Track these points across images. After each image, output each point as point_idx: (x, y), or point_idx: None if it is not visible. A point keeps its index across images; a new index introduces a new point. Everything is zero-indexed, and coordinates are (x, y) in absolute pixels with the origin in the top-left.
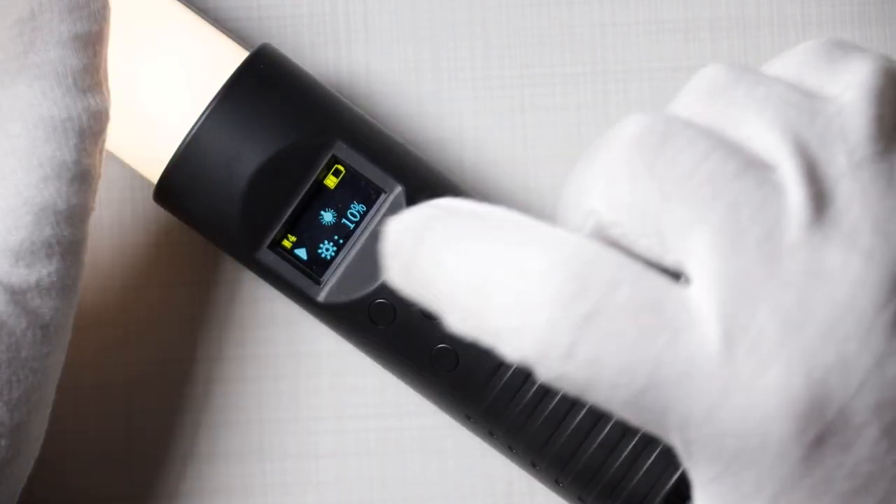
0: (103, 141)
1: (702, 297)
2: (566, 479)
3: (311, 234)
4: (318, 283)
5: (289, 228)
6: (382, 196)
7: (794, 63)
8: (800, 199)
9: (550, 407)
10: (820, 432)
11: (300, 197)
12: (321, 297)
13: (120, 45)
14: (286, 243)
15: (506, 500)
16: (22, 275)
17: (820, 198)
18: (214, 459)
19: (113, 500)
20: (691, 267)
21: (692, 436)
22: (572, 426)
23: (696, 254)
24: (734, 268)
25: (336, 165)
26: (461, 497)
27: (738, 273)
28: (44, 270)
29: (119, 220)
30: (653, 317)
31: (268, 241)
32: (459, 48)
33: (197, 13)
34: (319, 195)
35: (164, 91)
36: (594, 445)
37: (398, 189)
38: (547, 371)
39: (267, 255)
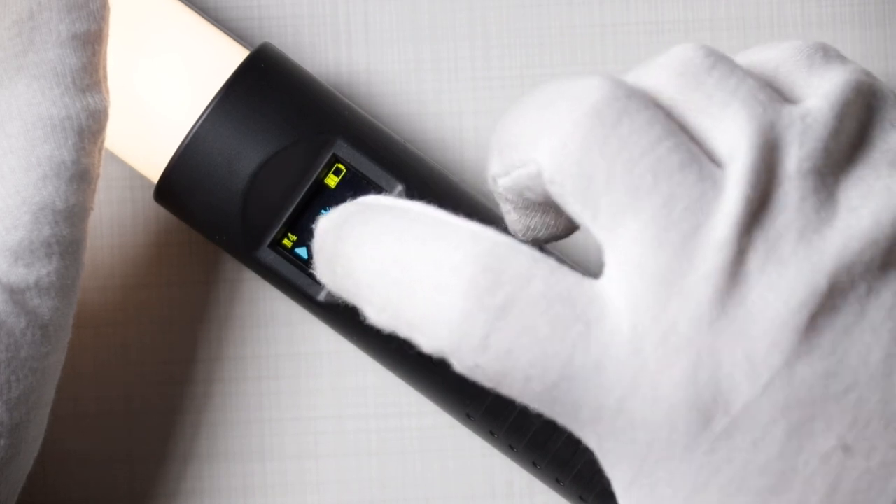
0: (102, 140)
1: (617, 287)
2: (567, 478)
3: (311, 233)
4: (319, 282)
5: (289, 227)
6: (383, 195)
7: (773, 58)
8: (736, 199)
9: None
10: (726, 427)
11: (301, 196)
12: (321, 296)
13: (120, 44)
14: (287, 242)
15: (506, 500)
16: (21, 274)
17: (757, 201)
18: (214, 459)
19: (113, 500)
20: (613, 254)
21: (605, 430)
22: None
23: (621, 241)
24: (654, 260)
25: (337, 164)
26: (461, 497)
27: (656, 265)
28: (43, 270)
29: (119, 219)
30: (565, 310)
31: (268, 240)
32: (459, 48)
33: (197, 13)
34: (320, 194)
35: (164, 90)
36: None
37: (399, 188)
38: (462, 363)
39: (267, 255)
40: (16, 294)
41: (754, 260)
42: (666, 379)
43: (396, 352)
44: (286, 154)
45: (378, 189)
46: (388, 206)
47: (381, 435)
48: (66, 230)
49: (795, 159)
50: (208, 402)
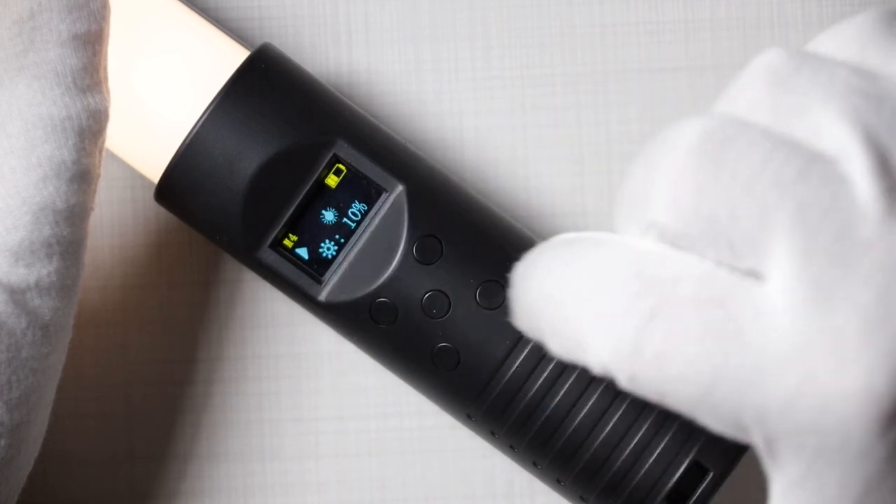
0: (103, 140)
1: (776, 297)
2: (567, 479)
3: (312, 233)
4: (320, 282)
5: (290, 228)
6: (384, 195)
7: (852, 40)
8: (870, 193)
9: (552, 406)
10: None
11: (301, 196)
12: (322, 296)
13: (121, 44)
14: (287, 242)
15: (506, 500)
16: (21, 274)
17: (892, 190)
18: (215, 459)
19: (113, 500)
20: (766, 272)
21: (770, 432)
22: (574, 425)
23: (770, 260)
24: (809, 270)
25: (337, 164)
26: (462, 497)
27: (813, 275)
28: (43, 270)
29: (120, 219)
30: (716, 311)
31: (269, 241)
32: (459, 48)
33: (198, 13)
34: (320, 194)
35: (164, 90)
36: (596, 444)
37: (399, 188)
38: (622, 374)
39: (268, 255)
40: (16, 294)
41: None
42: (837, 388)
43: (398, 352)
44: (287, 154)
45: (379, 190)
46: (563, 240)
47: (381, 435)
48: (67, 230)
49: None
50: (208, 403)
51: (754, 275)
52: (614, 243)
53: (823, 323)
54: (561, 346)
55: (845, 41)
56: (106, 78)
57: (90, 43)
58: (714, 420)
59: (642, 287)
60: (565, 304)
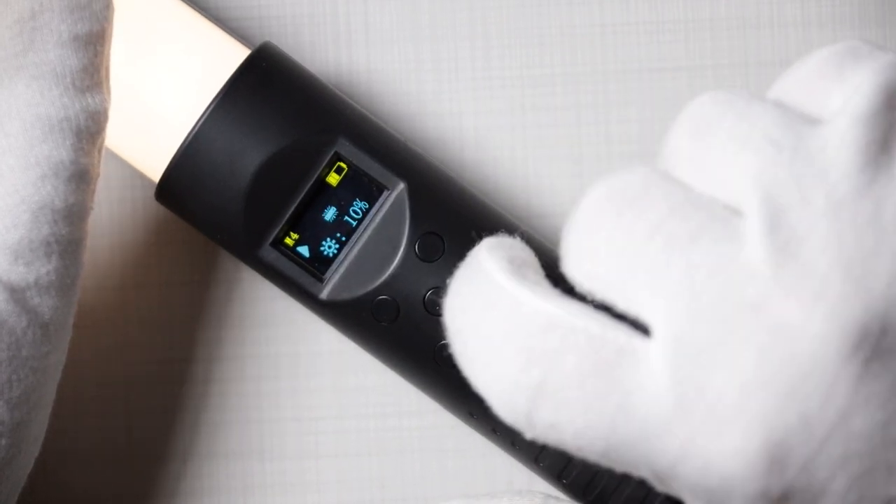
0: (102, 140)
1: (657, 361)
2: (569, 476)
3: (313, 231)
4: (321, 280)
5: (291, 226)
6: (385, 193)
7: (804, 75)
8: (759, 254)
9: None
10: (783, 490)
11: (302, 194)
12: (324, 294)
13: (121, 43)
14: (288, 241)
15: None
16: (21, 273)
17: (784, 250)
18: (214, 459)
19: (113, 500)
20: (651, 327)
21: (668, 483)
22: None
23: (656, 318)
24: (689, 332)
25: (338, 163)
26: (461, 497)
27: (693, 337)
28: (42, 269)
29: (120, 218)
30: (601, 382)
31: (270, 239)
32: (459, 48)
33: (198, 12)
34: (322, 192)
35: (165, 89)
36: None
37: (400, 186)
38: (525, 434)
39: (269, 253)
40: (16, 293)
41: (796, 311)
42: (716, 451)
43: (399, 350)
44: (288, 153)
45: (380, 188)
46: (471, 264)
47: (381, 434)
48: (66, 229)
49: (822, 195)
50: (208, 402)
51: (643, 333)
52: (504, 301)
53: (703, 385)
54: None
55: (798, 80)
56: (107, 78)
57: (91, 44)
58: (619, 469)
59: (528, 361)
60: (461, 353)
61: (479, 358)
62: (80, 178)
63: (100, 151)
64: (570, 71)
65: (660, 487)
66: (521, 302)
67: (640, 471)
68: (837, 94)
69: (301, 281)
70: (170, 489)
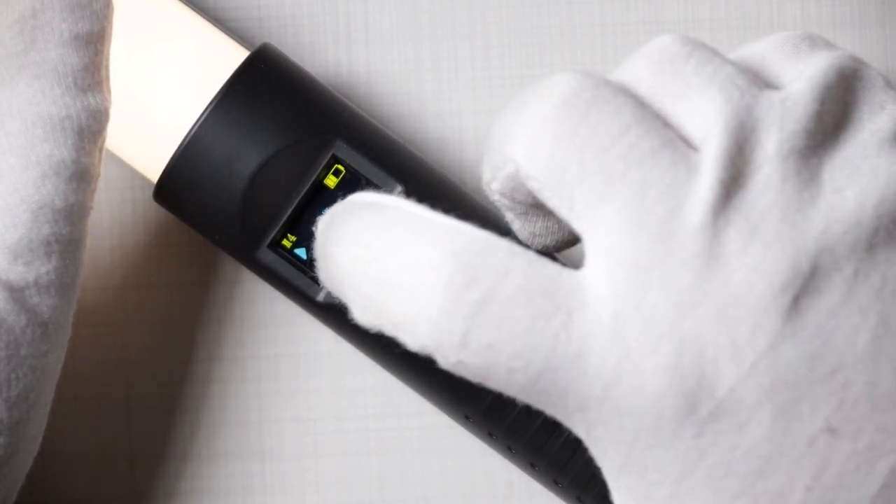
0: (103, 140)
1: (598, 276)
2: (565, 480)
3: (311, 233)
4: (318, 282)
5: (289, 228)
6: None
7: (760, 49)
8: (709, 182)
9: None
10: (712, 411)
11: (300, 196)
12: (321, 296)
13: (120, 43)
14: (286, 243)
15: (505, 500)
16: (20, 272)
17: (732, 183)
18: (214, 460)
19: (113, 500)
20: (592, 243)
21: (592, 418)
22: None
23: (598, 230)
24: (631, 247)
25: (336, 165)
26: (461, 497)
27: (634, 252)
28: (42, 268)
29: (119, 219)
30: (545, 301)
31: (267, 241)
32: (459, 48)
33: (197, 12)
34: (319, 195)
35: (164, 90)
36: None
37: (398, 189)
38: (445, 360)
39: (267, 255)
40: (15, 292)
41: (734, 242)
42: (649, 366)
43: (396, 352)
44: (286, 154)
45: (377, 190)
46: (369, 204)
47: (380, 435)
48: (66, 229)
49: (775, 141)
50: (208, 403)
51: (582, 238)
52: (436, 223)
53: (640, 301)
54: (365, 316)
55: (754, 51)
56: (108, 77)
57: (92, 43)
58: (539, 404)
59: (470, 278)
60: (377, 281)
61: (409, 280)
62: (81, 177)
63: (100, 151)
64: None
65: (579, 428)
66: (454, 228)
67: (564, 404)
68: (791, 70)
69: (298, 283)
70: (169, 489)
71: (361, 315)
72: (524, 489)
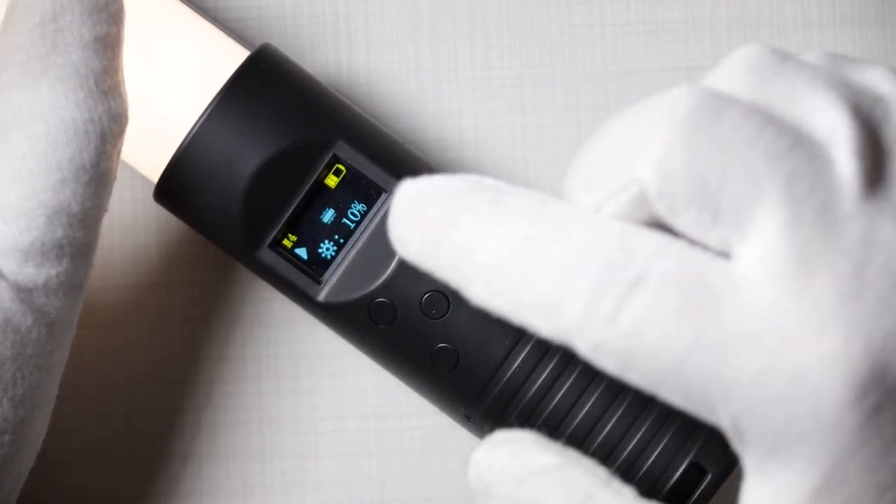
0: (121, 143)
1: (753, 269)
2: None
3: (311, 233)
4: (319, 282)
5: (289, 228)
6: (383, 195)
7: (814, 62)
8: (853, 171)
9: (550, 407)
10: (879, 400)
11: (301, 196)
12: (321, 296)
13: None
14: (286, 243)
15: None
16: (30, 274)
17: (873, 171)
18: (214, 459)
19: (113, 500)
20: (744, 243)
21: (739, 407)
22: (572, 426)
23: (755, 228)
24: (793, 239)
25: (337, 165)
26: (461, 497)
27: (796, 244)
28: (52, 271)
29: (119, 219)
30: (696, 284)
31: (268, 241)
32: (459, 48)
33: (197, 13)
34: (320, 194)
35: (164, 90)
36: (595, 445)
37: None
38: (587, 341)
39: (267, 255)
40: (23, 293)
41: (889, 225)
42: (815, 354)
43: (396, 353)
44: (286, 155)
45: (378, 190)
46: (502, 188)
47: (380, 435)
48: (79, 233)
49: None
50: (208, 402)
51: (723, 247)
52: (583, 212)
53: (802, 291)
54: (496, 300)
55: (733, 78)
56: (124, 81)
57: (110, 45)
58: (678, 395)
59: (625, 258)
60: (526, 262)
61: (561, 261)
62: (99, 181)
63: (119, 154)
64: (570, 71)
65: (722, 418)
66: (603, 217)
67: (707, 391)
68: (859, 75)
69: (299, 283)
70: (170, 489)
71: (492, 299)
72: None
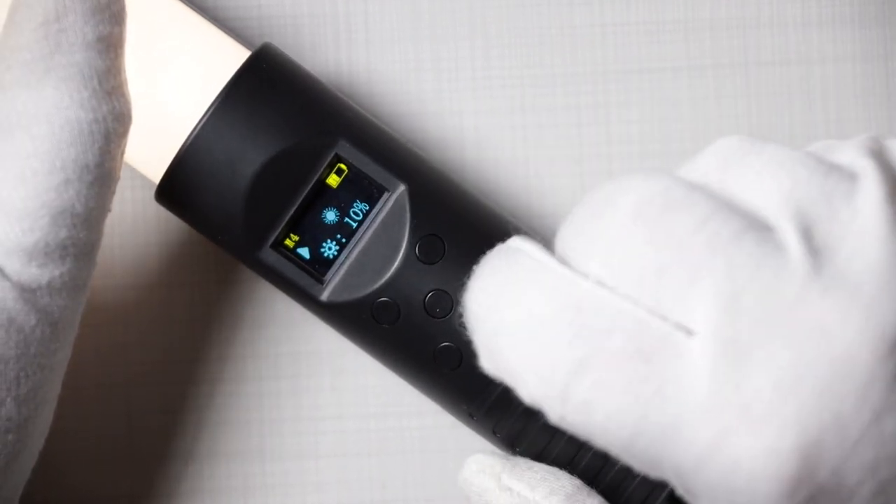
0: (125, 143)
1: (697, 355)
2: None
3: (313, 233)
4: (321, 282)
5: (291, 228)
6: (385, 195)
7: (713, 164)
8: (798, 253)
9: None
10: (811, 493)
11: (303, 196)
12: (324, 296)
13: None
14: (289, 242)
15: None
16: (34, 274)
17: (820, 253)
18: (215, 459)
19: (113, 500)
20: (692, 326)
21: (686, 485)
22: None
23: (695, 315)
24: (730, 329)
25: (339, 164)
26: (461, 498)
27: (733, 334)
28: (56, 271)
29: (120, 219)
30: (642, 366)
31: (270, 241)
32: (459, 48)
33: (198, 13)
34: (322, 194)
35: (165, 90)
36: (587, 457)
37: (401, 188)
38: (551, 413)
39: (269, 255)
40: (27, 292)
41: (833, 311)
42: (748, 449)
43: (399, 351)
44: (288, 154)
45: (380, 189)
46: (512, 249)
47: (381, 435)
48: (83, 233)
49: (853, 210)
50: (208, 402)
51: (685, 328)
52: (558, 274)
53: (739, 382)
54: (488, 365)
55: (706, 166)
56: (126, 80)
57: (112, 45)
58: (637, 466)
59: (576, 335)
60: (496, 330)
61: (520, 332)
62: (103, 181)
63: (122, 154)
64: (570, 71)
65: (678, 488)
66: (572, 281)
67: (661, 467)
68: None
69: (301, 283)
70: (170, 489)
71: (486, 364)
72: None
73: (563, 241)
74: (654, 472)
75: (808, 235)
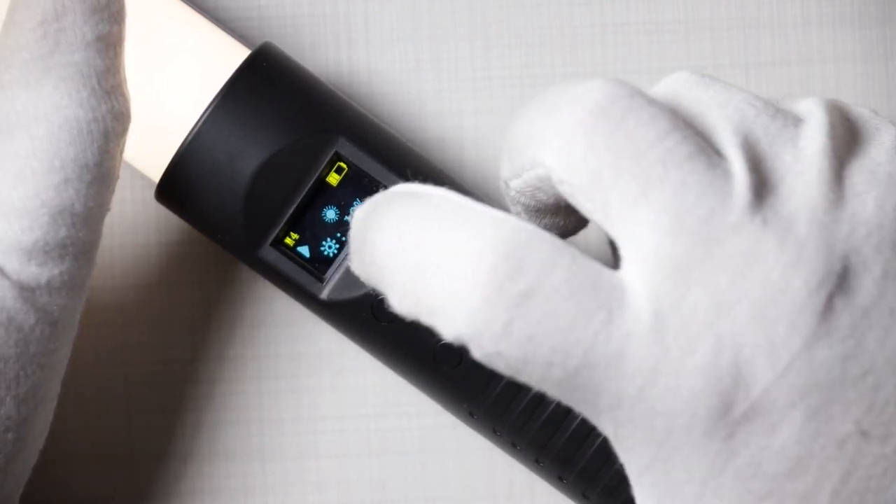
0: (124, 142)
1: (636, 277)
2: (570, 476)
3: (313, 231)
4: (321, 280)
5: (291, 226)
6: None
7: (670, 91)
8: (743, 182)
9: (555, 403)
10: (745, 411)
11: (303, 194)
12: (324, 294)
13: None
14: (288, 241)
15: (507, 500)
16: (33, 273)
17: (763, 186)
18: (215, 459)
19: (113, 500)
20: (629, 245)
21: (623, 417)
22: (577, 421)
23: (637, 232)
24: (671, 247)
25: (339, 163)
26: (462, 498)
27: (674, 252)
28: (55, 270)
29: (120, 219)
30: (588, 297)
31: (270, 239)
32: (459, 48)
33: (198, 12)
34: (322, 192)
35: (165, 89)
36: (598, 441)
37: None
38: (482, 350)
39: (269, 253)
40: (26, 291)
41: (770, 241)
42: (687, 366)
43: (399, 350)
44: (288, 153)
45: (379, 187)
46: (414, 193)
47: (381, 435)
48: (82, 232)
49: (796, 151)
50: (208, 402)
51: (616, 243)
52: (480, 212)
53: (679, 301)
54: (403, 304)
55: (666, 86)
56: (125, 80)
57: (112, 45)
58: (569, 400)
59: (516, 268)
60: (418, 267)
61: (445, 271)
62: (102, 181)
63: (121, 153)
64: (570, 71)
65: (606, 427)
66: (499, 218)
67: (601, 400)
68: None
69: (301, 281)
70: (170, 489)
71: (399, 303)
72: (526, 489)
73: (512, 135)
74: (584, 408)
75: (754, 168)
